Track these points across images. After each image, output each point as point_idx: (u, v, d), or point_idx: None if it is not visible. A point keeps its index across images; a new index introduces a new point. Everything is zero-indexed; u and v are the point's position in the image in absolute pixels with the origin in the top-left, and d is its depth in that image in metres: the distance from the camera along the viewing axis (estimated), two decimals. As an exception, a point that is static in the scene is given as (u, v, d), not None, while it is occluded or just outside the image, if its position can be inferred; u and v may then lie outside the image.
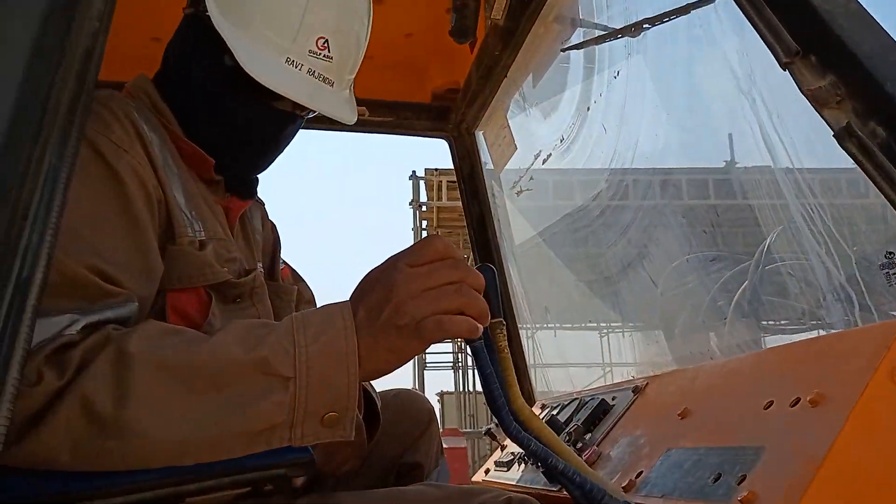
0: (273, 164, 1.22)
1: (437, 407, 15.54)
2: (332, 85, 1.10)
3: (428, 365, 14.97)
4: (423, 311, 0.72)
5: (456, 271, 0.74)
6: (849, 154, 0.92)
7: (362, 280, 0.79)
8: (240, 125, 1.10)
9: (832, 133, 0.90)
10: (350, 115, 1.15)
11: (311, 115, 1.18)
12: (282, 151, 1.19)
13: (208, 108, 1.08)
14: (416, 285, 0.73)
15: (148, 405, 0.71)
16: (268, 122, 1.12)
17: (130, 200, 0.89)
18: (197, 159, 1.08)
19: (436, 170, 13.52)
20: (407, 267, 0.75)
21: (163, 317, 0.94)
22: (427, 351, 14.95)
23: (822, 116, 0.94)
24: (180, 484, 0.73)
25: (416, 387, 14.41)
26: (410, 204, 14.01)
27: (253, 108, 1.09)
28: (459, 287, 0.74)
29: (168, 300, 0.95)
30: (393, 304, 0.73)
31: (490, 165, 2.21)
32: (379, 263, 0.79)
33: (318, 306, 0.96)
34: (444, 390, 15.79)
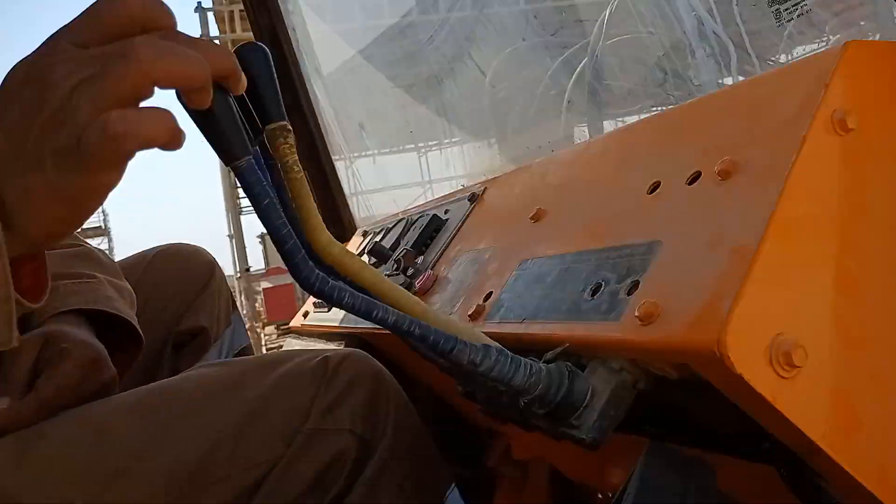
0: None
1: (259, 248, 15.09)
2: None
3: (244, 210, 14.13)
4: (83, 113, 0.38)
5: (158, 43, 0.39)
6: None
7: (3, 82, 0.43)
8: None
9: None
10: None
11: None
12: None
13: None
14: (83, 72, 0.39)
15: None
16: None
17: None
18: None
19: (224, -3, 12.08)
20: (72, 47, 0.40)
21: None
22: (241, 195, 14.08)
23: None
24: None
25: (233, 233, 13.71)
26: (199, 35, 12.47)
27: None
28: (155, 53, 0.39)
29: None
30: (47, 114, 0.39)
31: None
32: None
33: None
34: (265, 232, 15.17)
